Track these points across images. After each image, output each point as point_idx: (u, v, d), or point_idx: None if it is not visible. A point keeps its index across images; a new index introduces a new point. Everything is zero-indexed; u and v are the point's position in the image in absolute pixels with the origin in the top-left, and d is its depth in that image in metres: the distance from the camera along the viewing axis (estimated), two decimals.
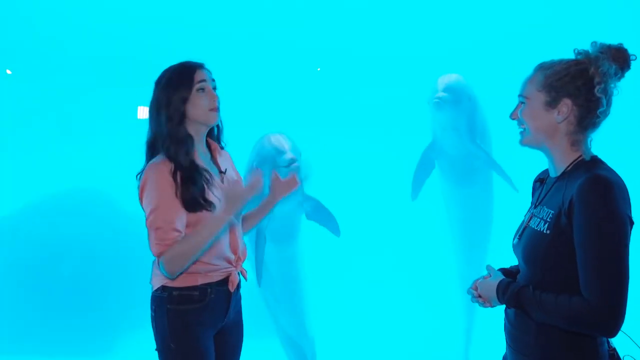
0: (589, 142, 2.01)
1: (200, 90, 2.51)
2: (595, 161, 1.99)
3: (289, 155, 4.69)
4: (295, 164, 4.70)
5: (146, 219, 2.48)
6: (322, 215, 5.14)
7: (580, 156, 2.00)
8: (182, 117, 2.50)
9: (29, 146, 11.52)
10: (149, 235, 2.46)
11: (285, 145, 4.78)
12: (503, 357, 2.23)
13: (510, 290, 2.00)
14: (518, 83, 2.13)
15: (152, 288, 2.61)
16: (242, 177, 2.79)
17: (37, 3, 12.05)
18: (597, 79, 1.93)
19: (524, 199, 2.41)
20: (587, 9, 11.43)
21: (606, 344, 1.97)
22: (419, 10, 12.42)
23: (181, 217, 2.45)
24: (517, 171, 5.42)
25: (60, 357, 6.44)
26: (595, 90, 1.93)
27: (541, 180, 2.21)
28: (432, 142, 5.85)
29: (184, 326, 2.49)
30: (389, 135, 11.51)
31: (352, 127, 12.22)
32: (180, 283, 2.51)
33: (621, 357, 1.99)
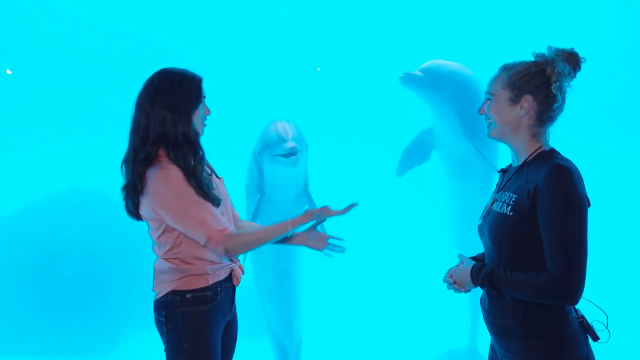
0: (547, 134, 2.28)
1: (202, 104, 2.64)
2: (553, 152, 2.26)
3: (290, 144, 4.57)
4: (294, 157, 4.59)
5: (177, 218, 2.49)
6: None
7: (540, 147, 2.26)
8: (191, 121, 2.59)
9: (29, 146, 11.53)
10: (193, 228, 2.48)
11: (290, 133, 4.65)
12: (490, 346, 2.40)
13: (483, 272, 2.23)
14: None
15: (156, 295, 2.63)
16: (222, 180, 2.83)
17: (37, 4, 12.05)
18: (553, 78, 2.20)
19: None
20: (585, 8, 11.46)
21: (574, 312, 2.20)
22: (418, 10, 12.42)
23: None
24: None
25: (61, 357, 6.44)
26: (552, 87, 2.20)
27: (504, 171, 2.47)
28: (430, 128, 5.85)
29: (199, 327, 2.56)
30: (388, 135, 11.51)
31: (352, 126, 12.23)
32: (192, 285, 2.57)
33: (590, 322, 2.22)
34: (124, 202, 2.61)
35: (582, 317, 2.21)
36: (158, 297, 2.61)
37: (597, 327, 2.20)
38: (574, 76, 2.25)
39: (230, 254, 2.56)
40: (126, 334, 6.82)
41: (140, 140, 2.53)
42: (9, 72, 12.39)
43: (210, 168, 2.78)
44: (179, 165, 2.50)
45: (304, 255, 5.44)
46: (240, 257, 2.85)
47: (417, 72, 5.38)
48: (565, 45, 2.27)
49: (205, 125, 2.67)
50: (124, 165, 2.58)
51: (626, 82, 11.37)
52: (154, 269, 2.67)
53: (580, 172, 2.15)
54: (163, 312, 2.59)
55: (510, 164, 2.41)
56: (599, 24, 11.53)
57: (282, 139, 4.62)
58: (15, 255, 6.97)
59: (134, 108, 2.58)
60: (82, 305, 6.71)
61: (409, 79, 5.37)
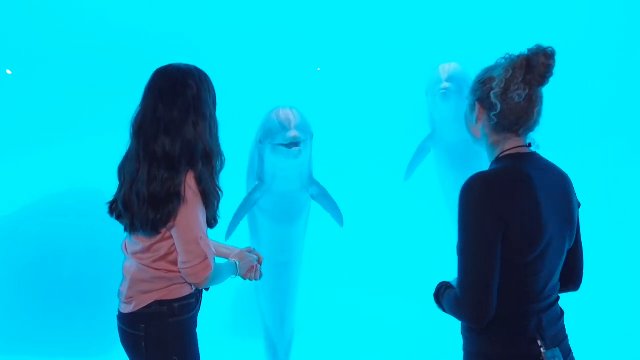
0: (506, 143, 2.05)
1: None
2: (501, 159, 2.04)
3: (292, 133, 4.30)
4: (296, 148, 4.33)
5: (189, 232, 2.35)
6: (326, 202, 4.82)
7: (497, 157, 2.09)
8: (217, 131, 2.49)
9: (29, 146, 11.53)
10: (191, 246, 2.36)
11: (293, 121, 4.36)
12: None
13: (436, 290, 2.17)
14: None
15: (133, 307, 2.50)
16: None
17: (38, 4, 12.06)
18: (494, 84, 2.00)
19: None
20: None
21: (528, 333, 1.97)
22: (416, 10, 12.44)
23: None
24: None
25: (61, 357, 6.44)
26: (490, 94, 2.00)
27: None
28: (431, 134, 5.90)
29: (185, 335, 2.50)
30: (388, 134, 11.51)
31: (351, 126, 12.23)
32: (178, 294, 2.47)
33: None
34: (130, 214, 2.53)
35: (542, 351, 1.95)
36: (136, 308, 2.47)
37: None
38: (539, 82, 1.95)
39: (201, 285, 2.43)
40: None
41: (166, 158, 2.33)
42: (9, 72, 12.40)
43: None
44: (202, 184, 2.36)
45: (303, 248, 5.29)
46: None
47: (447, 84, 5.41)
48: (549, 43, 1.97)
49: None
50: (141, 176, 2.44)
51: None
52: (131, 279, 2.53)
53: (513, 183, 1.92)
54: (143, 326, 2.46)
55: None
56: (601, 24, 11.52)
57: (285, 128, 4.34)
58: (14, 255, 6.97)
59: (151, 118, 2.37)
60: (82, 305, 6.71)
61: (450, 95, 5.41)
